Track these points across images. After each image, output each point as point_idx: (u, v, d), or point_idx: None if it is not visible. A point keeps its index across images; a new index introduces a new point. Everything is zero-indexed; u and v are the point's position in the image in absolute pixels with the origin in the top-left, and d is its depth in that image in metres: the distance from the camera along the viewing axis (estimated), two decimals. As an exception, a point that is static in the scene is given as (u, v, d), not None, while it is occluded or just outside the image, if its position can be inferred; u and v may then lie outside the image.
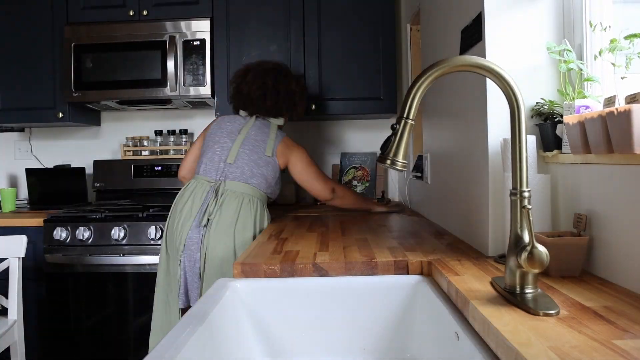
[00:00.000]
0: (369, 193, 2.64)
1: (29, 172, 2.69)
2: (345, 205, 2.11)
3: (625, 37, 0.91)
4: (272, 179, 1.90)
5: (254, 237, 1.78)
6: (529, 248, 0.77)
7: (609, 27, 1.03)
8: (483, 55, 1.19)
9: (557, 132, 1.11)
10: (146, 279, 2.18)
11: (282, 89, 1.92)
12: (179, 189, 2.71)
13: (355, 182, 2.68)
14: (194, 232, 1.74)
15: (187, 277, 1.74)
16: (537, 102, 1.18)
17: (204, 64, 2.44)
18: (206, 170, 1.86)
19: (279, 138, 1.93)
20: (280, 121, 1.99)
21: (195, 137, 2.87)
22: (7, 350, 1.78)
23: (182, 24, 2.44)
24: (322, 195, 2.02)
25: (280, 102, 1.93)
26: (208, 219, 1.73)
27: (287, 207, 2.54)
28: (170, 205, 2.34)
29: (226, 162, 1.84)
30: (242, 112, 1.98)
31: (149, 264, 2.18)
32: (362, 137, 2.84)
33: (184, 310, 1.80)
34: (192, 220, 1.75)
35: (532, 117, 1.19)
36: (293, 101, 1.97)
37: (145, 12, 2.48)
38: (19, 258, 1.80)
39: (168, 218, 1.85)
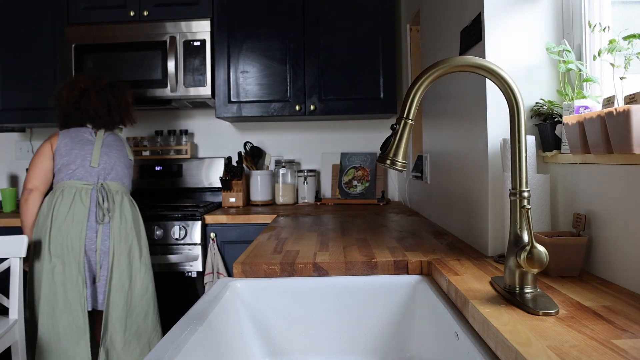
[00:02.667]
0: (369, 193, 2.65)
1: (30, 172, 2.70)
2: None
3: (624, 38, 0.91)
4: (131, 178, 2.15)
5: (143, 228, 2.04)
6: (528, 248, 0.78)
7: (608, 27, 1.04)
8: (483, 56, 1.20)
9: (557, 132, 1.11)
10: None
11: (122, 104, 2.10)
12: (180, 189, 2.72)
13: (355, 182, 2.68)
14: (91, 232, 1.87)
15: (94, 276, 1.87)
16: (536, 103, 1.18)
17: (204, 65, 2.44)
18: (79, 175, 1.95)
19: (127, 144, 2.16)
20: (121, 131, 2.18)
21: (195, 138, 2.88)
22: (9, 349, 1.79)
23: (183, 24, 2.45)
24: None
25: (122, 115, 2.11)
26: (104, 215, 1.88)
27: (287, 207, 2.55)
28: (171, 205, 2.35)
29: (95, 168, 1.97)
30: (88, 126, 2.06)
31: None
32: (362, 137, 2.84)
33: (90, 313, 1.89)
34: (86, 221, 1.87)
35: (531, 117, 1.19)
36: (129, 111, 2.14)
37: (145, 13, 2.49)
38: (19, 258, 1.81)
39: (42, 225, 1.88)
